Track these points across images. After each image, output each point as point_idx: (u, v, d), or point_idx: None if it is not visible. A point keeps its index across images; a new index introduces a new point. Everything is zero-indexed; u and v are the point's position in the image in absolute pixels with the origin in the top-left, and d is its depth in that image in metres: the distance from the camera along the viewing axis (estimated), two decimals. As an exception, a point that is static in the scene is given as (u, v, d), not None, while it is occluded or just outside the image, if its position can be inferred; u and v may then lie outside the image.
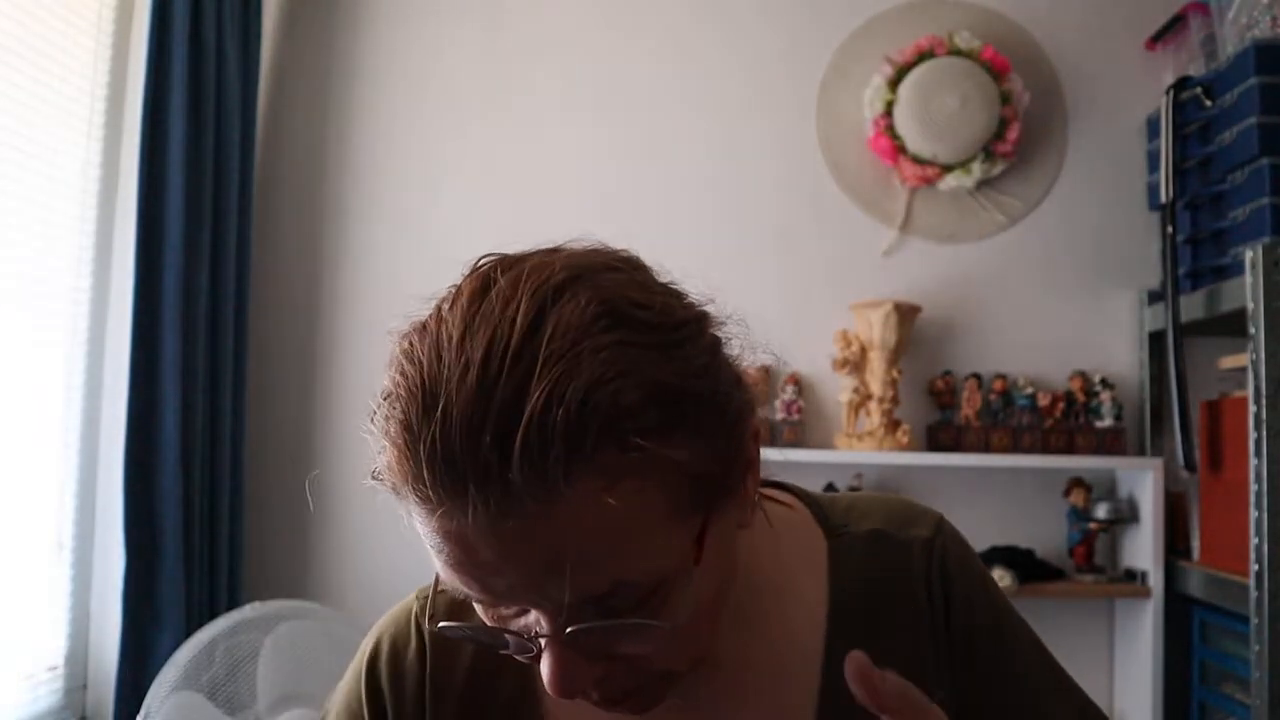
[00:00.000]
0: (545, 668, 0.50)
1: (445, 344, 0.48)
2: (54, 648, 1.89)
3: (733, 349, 0.57)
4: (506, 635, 0.52)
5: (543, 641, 0.50)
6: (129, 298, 1.86)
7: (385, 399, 0.50)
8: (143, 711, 1.65)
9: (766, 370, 2.21)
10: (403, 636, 0.69)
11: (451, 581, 0.51)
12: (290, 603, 1.86)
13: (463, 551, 0.48)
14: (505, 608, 0.52)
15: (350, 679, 0.70)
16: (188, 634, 1.76)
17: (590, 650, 0.51)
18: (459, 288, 0.52)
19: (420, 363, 0.48)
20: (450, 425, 0.45)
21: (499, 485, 0.45)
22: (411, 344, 0.50)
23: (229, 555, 2.07)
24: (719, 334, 0.56)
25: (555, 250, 0.55)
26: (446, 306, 0.51)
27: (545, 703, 0.66)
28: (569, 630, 0.49)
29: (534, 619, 0.51)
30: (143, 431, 1.87)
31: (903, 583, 0.67)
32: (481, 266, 0.53)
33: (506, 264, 0.52)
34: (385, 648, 0.69)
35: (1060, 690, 0.69)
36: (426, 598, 0.67)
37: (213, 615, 1.86)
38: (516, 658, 0.55)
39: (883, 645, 0.59)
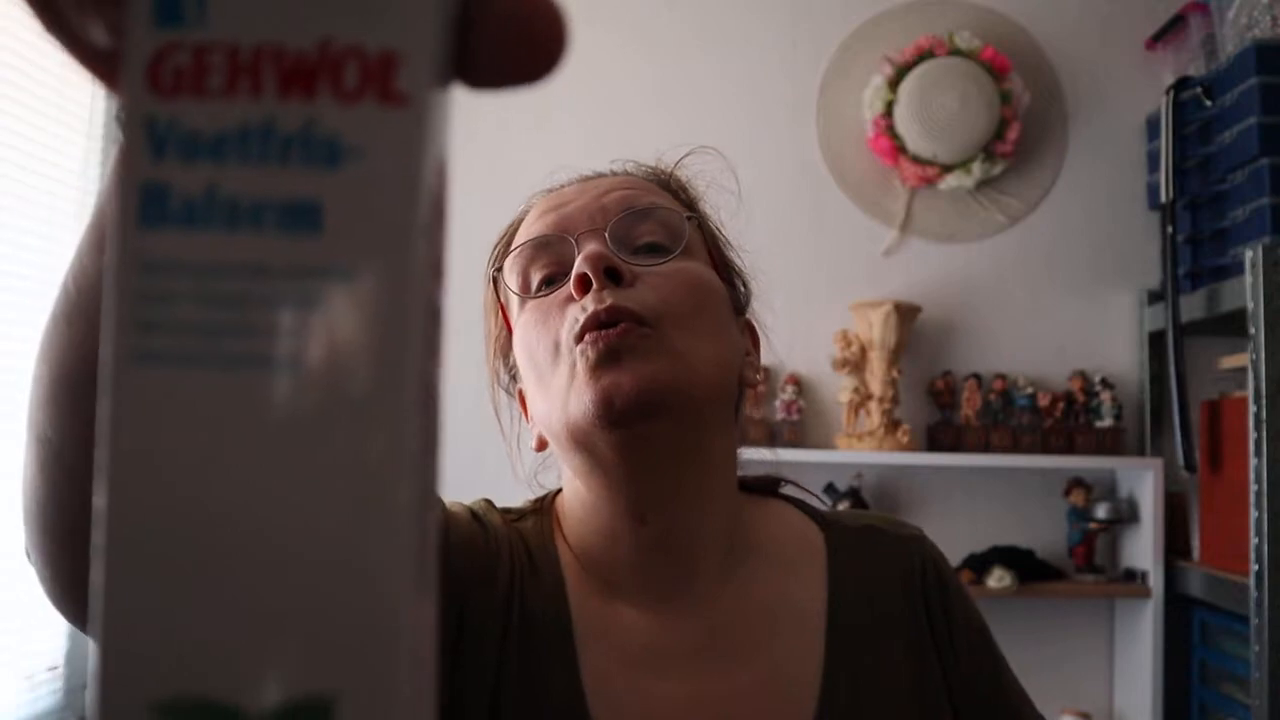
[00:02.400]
0: (581, 256, 0.63)
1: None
2: (54, 648, 1.89)
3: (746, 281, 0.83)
4: (555, 243, 0.67)
5: (584, 244, 0.65)
6: (129, 298, 1.86)
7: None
8: (143, 711, 1.65)
9: (766, 370, 2.21)
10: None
11: (530, 228, 0.71)
12: (290, 603, 1.86)
13: (556, 197, 0.72)
14: (553, 261, 0.67)
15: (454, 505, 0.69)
16: (188, 634, 1.76)
17: (617, 251, 0.65)
18: None
19: None
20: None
21: (596, 176, 0.75)
22: None
23: (229, 555, 2.07)
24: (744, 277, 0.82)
25: None
26: None
27: (574, 615, 0.65)
28: (614, 220, 0.66)
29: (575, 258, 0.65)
30: (143, 431, 1.87)
31: (897, 569, 0.70)
32: None
33: None
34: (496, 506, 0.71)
35: (1031, 707, 0.73)
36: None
37: (213, 615, 1.86)
38: (544, 303, 0.66)
39: (882, 624, 0.68)
